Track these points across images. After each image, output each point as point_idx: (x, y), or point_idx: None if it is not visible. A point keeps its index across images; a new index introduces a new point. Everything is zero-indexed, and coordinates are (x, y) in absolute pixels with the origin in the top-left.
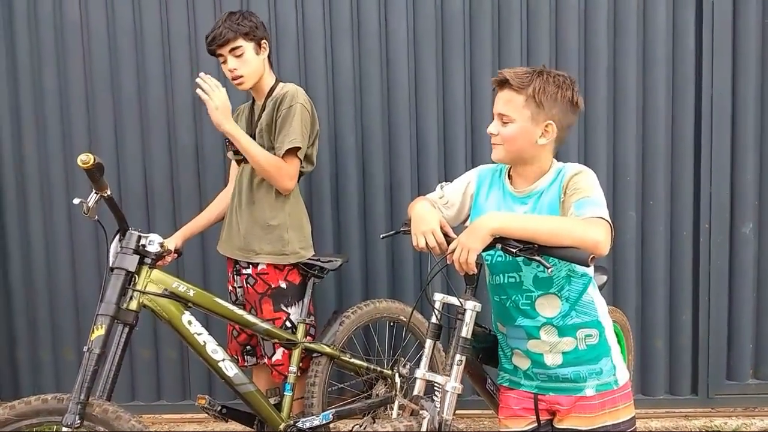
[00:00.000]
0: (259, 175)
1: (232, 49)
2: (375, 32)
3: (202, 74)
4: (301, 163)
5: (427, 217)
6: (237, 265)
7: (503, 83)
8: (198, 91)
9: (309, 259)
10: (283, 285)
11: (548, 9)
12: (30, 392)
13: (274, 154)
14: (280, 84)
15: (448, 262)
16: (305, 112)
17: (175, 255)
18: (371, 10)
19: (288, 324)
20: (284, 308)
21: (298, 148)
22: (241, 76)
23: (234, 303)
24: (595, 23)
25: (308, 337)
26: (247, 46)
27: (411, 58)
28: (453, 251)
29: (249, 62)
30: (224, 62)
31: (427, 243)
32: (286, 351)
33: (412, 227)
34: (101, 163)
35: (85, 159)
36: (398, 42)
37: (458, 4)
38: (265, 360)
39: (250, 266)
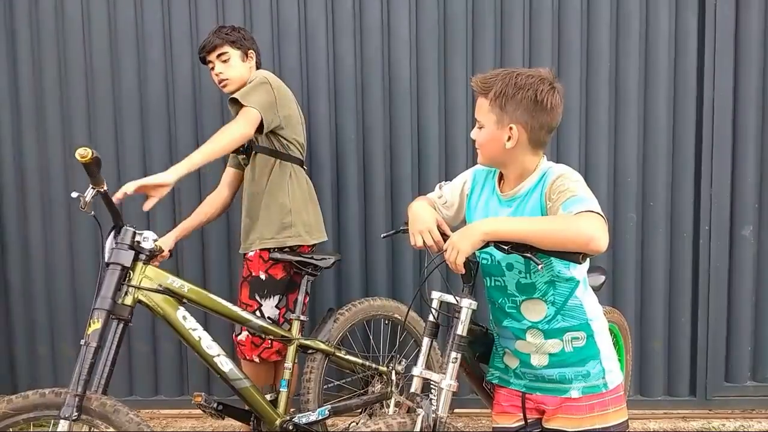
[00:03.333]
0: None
1: (219, 55)
2: (377, 29)
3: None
4: (262, 125)
5: (424, 215)
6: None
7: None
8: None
9: (302, 256)
10: (263, 276)
11: (551, 10)
12: (27, 387)
13: (263, 142)
14: None
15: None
16: (264, 82)
17: (166, 255)
18: (373, 7)
19: (258, 314)
20: (258, 298)
21: (244, 105)
22: (226, 79)
23: None
24: (597, 25)
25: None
26: (233, 53)
27: (413, 56)
28: (446, 250)
29: (234, 67)
30: (213, 68)
31: (424, 242)
32: (251, 335)
33: (409, 226)
34: (99, 157)
35: (83, 153)
36: (400, 39)
37: (461, 3)
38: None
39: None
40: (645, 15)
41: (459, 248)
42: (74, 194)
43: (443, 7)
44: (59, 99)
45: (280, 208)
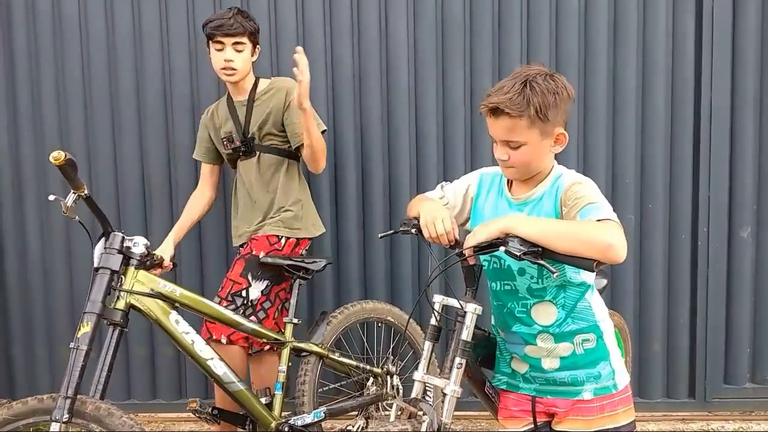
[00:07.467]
0: (277, 164)
1: (236, 43)
2: (375, 32)
3: (299, 49)
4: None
5: (439, 207)
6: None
7: (496, 110)
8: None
9: (293, 260)
10: (262, 256)
11: (548, 11)
12: (25, 389)
13: (290, 138)
14: (264, 79)
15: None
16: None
17: (169, 266)
18: (371, 10)
19: (243, 294)
20: (249, 278)
21: (325, 130)
22: (235, 69)
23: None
24: (595, 26)
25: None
26: (248, 45)
27: (411, 58)
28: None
29: (245, 59)
30: (220, 50)
31: (437, 232)
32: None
33: (423, 217)
34: (73, 159)
35: (56, 155)
36: (398, 42)
37: (458, 5)
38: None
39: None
40: (642, 16)
41: (476, 233)
42: (51, 197)
43: (441, 7)
44: (56, 99)
45: (293, 204)
